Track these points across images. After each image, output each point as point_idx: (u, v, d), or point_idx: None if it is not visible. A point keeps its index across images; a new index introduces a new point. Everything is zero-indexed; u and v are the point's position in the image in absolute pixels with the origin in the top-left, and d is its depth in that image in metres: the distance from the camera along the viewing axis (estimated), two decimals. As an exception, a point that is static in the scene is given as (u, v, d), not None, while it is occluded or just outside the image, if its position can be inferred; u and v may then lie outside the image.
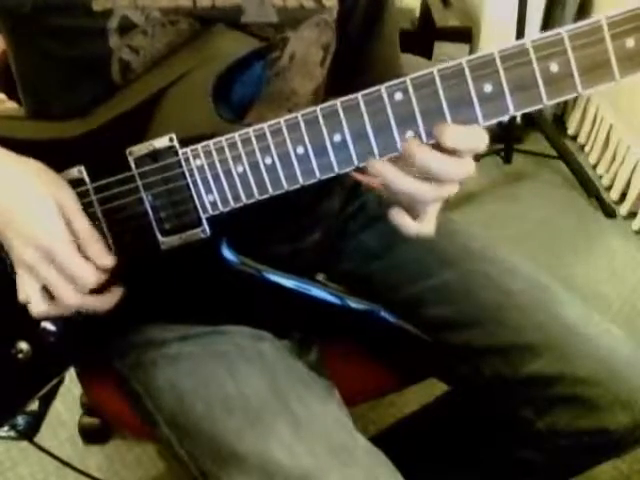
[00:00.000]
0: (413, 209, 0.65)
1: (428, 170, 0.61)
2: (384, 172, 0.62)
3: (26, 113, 0.80)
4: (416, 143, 0.61)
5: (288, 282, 0.76)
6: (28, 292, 0.67)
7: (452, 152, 0.61)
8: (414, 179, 0.62)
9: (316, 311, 0.81)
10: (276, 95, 0.76)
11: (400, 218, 0.65)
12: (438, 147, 0.61)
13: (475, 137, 0.61)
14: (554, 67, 0.58)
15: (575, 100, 2.41)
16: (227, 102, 0.69)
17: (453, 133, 0.60)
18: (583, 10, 2.19)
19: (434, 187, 0.62)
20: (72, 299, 0.67)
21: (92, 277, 0.66)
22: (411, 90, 0.61)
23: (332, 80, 0.65)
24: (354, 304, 0.81)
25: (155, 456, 1.39)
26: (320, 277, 0.93)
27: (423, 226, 0.66)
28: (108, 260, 0.67)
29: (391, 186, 0.63)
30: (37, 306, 0.68)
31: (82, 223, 0.67)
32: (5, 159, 0.67)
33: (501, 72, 0.59)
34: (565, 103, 2.47)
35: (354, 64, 0.86)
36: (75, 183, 0.69)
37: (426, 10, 2.45)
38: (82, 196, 0.69)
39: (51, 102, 0.75)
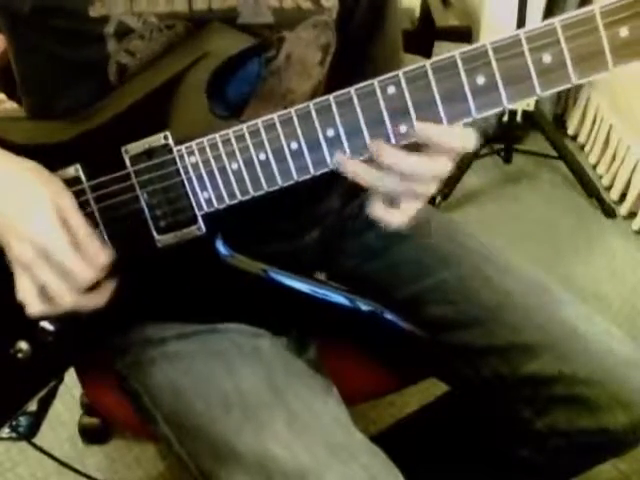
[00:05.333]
0: (392, 202, 0.66)
1: (398, 170, 0.62)
2: (356, 170, 0.64)
3: (26, 113, 0.80)
4: (381, 144, 0.62)
5: (304, 286, 0.76)
6: (25, 292, 0.67)
7: (427, 151, 0.62)
8: (385, 176, 0.63)
9: (317, 310, 0.81)
10: (272, 94, 0.76)
11: (376, 210, 0.66)
12: (414, 147, 0.62)
13: (450, 136, 0.62)
14: (547, 58, 0.58)
15: (575, 100, 2.41)
16: (222, 100, 0.69)
17: (425, 131, 0.61)
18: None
19: (407, 184, 0.63)
20: (68, 298, 0.67)
21: (89, 275, 0.66)
22: (404, 83, 0.61)
23: (335, 80, 0.65)
24: (363, 306, 0.81)
25: (155, 456, 1.39)
26: (322, 276, 0.93)
27: (395, 217, 0.66)
28: (104, 258, 0.67)
29: (363, 184, 0.64)
30: (33, 306, 0.67)
31: (78, 222, 0.66)
32: (2, 159, 0.67)
33: (494, 64, 0.59)
34: (565, 103, 2.47)
35: (356, 64, 0.86)
36: (71, 182, 0.69)
37: (426, 10, 2.45)
38: (78, 195, 0.69)
39: (50, 102, 0.75)
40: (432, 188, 0.65)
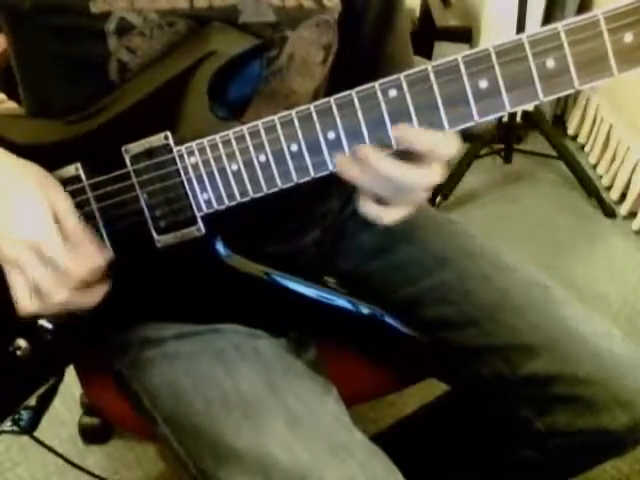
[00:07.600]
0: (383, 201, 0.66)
1: (390, 179, 0.62)
2: (351, 172, 0.63)
3: (26, 112, 0.80)
4: (373, 152, 0.61)
5: (304, 289, 0.76)
6: (17, 290, 0.66)
7: (417, 160, 0.62)
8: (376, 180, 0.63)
9: (316, 312, 0.81)
10: (274, 94, 0.76)
11: (367, 207, 0.66)
12: (404, 155, 0.62)
13: (438, 142, 0.61)
14: (550, 62, 0.58)
15: (575, 100, 2.41)
16: (224, 100, 0.69)
17: (414, 136, 0.61)
18: (583, 10, 2.19)
19: (396, 190, 0.63)
20: (60, 296, 0.65)
21: (82, 273, 0.65)
22: (405, 86, 0.61)
23: (342, 82, 0.65)
24: (365, 309, 0.81)
25: (155, 456, 1.39)
26: (330, 282, 0.92)
27: (387, 215, 0.66)
28: (100, 259, 0.67)
29: (359, 185, 0.64)
30: (26, 304, 0.66)
31: (73, 221, 0.66)
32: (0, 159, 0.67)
33: (496, 68, 0.59)
34: (565, 103, 2.48)
35: (366, 66, 0.85)
36: (71, 180, 0.69)
37: (426, 10, 2.45)
38: (78, 193, 0.69)
39: (51, 101, 0.75)
40: (423, 195, 0.65)
